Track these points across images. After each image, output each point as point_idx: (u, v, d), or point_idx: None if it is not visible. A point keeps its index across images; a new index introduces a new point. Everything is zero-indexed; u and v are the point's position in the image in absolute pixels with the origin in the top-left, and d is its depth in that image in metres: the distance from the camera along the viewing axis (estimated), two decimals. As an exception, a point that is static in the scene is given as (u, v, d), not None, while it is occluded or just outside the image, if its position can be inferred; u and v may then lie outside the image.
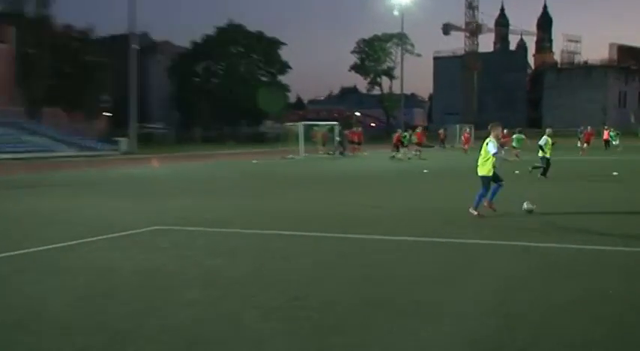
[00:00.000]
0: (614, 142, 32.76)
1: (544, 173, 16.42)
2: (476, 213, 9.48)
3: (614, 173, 17.42)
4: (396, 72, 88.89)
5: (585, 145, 30.55)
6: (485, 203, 9.75)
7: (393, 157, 29.38)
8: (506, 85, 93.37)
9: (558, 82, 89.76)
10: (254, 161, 28.81)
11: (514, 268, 5.99)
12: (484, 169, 9.76)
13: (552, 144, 16.76)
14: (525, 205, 9.82)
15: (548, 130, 17.53)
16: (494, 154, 9.66)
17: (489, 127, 10.17)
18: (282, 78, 75.74)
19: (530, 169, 17.07)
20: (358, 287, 5.24)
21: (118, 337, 4.05)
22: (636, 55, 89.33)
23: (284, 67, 75.17)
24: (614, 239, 7.33)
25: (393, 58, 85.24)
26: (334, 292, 5.08)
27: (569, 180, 15.96)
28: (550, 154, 16.70)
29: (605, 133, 34.82)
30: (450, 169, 21.64)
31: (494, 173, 9.75)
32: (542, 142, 16.79)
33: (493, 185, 9.80)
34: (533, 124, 78.37)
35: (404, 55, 69.87)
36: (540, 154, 16.72)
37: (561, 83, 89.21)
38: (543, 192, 12.87)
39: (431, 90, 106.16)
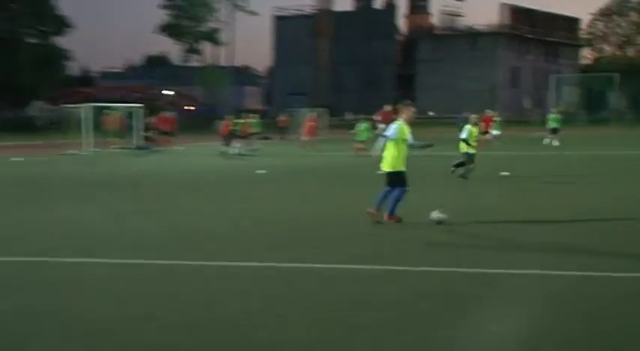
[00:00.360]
0: (493, 132, 34.56)
1: (465, 172, 17.94)
2: (394, 219, 10.62)
3: (504, 173, 19.10)
4: (224, 36, 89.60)
5: (489, 134, 33.07)
6: (370, 209, 10.74)
7: (225, 152, 30.20)
8: (370, 57, 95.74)
9: (435, 54, 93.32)
10: (16, 159, 28.51)
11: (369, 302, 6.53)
12: (388, 162, 10.65)
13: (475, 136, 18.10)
14: (434, 215, 10.58)
15: (473, 117, 18.84)
16: (383, 136, 10.57)
17: (399, 109, 11.06)
18: (59, 40, 73.24)
19: (451, 169, 18.48)
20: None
21: None
22: (533, 20, 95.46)
23: (62, 25, 72.64)
24: (543, 259, 8.33)
25: (219, 16, 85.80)
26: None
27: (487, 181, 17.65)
28: (474, 149, 18.07)
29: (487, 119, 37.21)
30: (293, 168, 22.93)
31: (399, 173, 10.57)
32: (464, 134, 18.01)
33: (388, 189, 10.63)
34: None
35: (234, 13, 70.51)
36: (464, 149, 17.98)
37: (439, 55, 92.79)
38: (468, 195, 14.75)
39: (270, 62, 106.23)
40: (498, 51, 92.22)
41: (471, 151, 17.99)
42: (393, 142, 10.67)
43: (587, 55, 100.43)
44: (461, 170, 18.22)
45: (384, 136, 10.78)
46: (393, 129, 10.75)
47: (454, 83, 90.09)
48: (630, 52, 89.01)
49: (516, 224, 10.95)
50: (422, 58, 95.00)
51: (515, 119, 64.52)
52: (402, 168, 10.77)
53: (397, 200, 10.69)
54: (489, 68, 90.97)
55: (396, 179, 10.68)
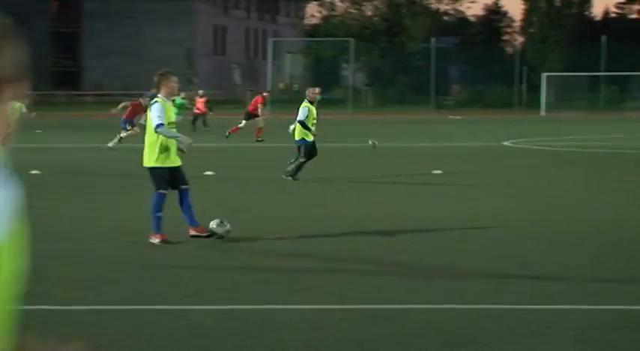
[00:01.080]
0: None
1: (297, 171, 19.57)
2: (157, 239, 11.29)
3: (207, 173, 20.61)
4: None
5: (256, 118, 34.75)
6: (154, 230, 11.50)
7: None
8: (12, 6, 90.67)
9: (108, 6, 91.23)
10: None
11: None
12: (148, 157, 11.47)
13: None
14: (213, 225, 11.64)
15: (313, 91, 20.67)
16: (157, 128, 11.15)
17: (157, 81, 11.66)
18: None
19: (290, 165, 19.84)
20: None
21: None
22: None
23: None
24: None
25: None
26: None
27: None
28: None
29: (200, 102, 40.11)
30: None
31: (167, 170, 11.40)
32: (302, 115, 19.63)
33: (162, 192, 11.36)
34: (64, 83, 76.12)
35: None
36: (301, 135, 19.60)
37: (114, 8, 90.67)
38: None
39: None
40: (195, 4, 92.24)
41: (309, 138, 19.61)
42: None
43: (314, 13, 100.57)
44: (292, 166, 19.66)
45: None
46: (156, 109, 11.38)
47: (137, 47, 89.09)
48: (369, 9, 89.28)
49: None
50: (88, 11, 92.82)
51: (223, 98, 61.31)
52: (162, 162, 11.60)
53: (187, 207, 11.70)
54: (184, 27, 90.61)
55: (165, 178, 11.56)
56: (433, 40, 74.71)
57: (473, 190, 18.44)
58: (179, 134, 11.79)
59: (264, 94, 38.47)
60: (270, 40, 71.51)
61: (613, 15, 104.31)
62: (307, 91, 20.94)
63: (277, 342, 7.28)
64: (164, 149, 11.17)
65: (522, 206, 15.69)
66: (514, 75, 75.82)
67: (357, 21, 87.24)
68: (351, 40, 70.81)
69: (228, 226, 11.62)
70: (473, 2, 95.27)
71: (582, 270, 10.09)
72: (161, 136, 11.14)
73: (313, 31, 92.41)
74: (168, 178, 11.36)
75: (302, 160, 19.54)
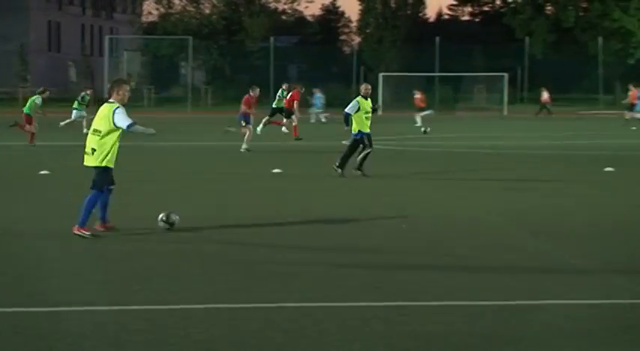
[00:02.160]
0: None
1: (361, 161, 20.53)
2: (87, 233, 11.83)
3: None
4: None
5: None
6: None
7: None
8: None
9: None
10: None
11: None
12: (95, 156, 11.97)
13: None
14: (162, 219, 12.48)
15: (364, 86, 21.41)
16: (128, 127, 11.91)
17: (110, 87, 12.59)
18: None
19: (358, 162, 20.40)
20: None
21: None
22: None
23: None
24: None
25: None
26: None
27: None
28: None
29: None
30: None
31: (105, 170, 11.95)
32: (350, 107, 20.59)
33: (93, 194, 11.95)
34: None
35: None
36: (356, 128, 20.40)
37: None
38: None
39: None
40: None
41: (365, 129, 20.43)
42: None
43: (151, 10, 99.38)
44: (359, 159, 20.44)
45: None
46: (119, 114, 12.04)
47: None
48: (207, 8, 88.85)
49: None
50: None
51: (59, 96, 59.65)
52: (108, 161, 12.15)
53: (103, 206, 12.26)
54: (17, 23, 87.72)
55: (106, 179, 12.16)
56: (272, 39, 75.11)
57: (310, 187, 18.69)
58: (146, 128, 12.63)
59: (301, 89, 39.11)
60: (106, 37, 70.25)
61: (446, 17, 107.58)
62: (360, 87, 21.67)
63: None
64: (115, 151, 11.98)
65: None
66: (352, 75, 77.02)
67: (195, 19, 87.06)
68: (190, 38, 70.44)
69: (171, 217, 12.30)
70: (310, 2, 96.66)
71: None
72: (117, 138, 11.97)
73: (151, 29, 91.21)
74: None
75: (368, 150, 20.31)
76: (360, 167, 20.53)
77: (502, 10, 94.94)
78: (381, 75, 71.24)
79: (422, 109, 44.00)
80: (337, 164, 20.65)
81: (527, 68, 76.38)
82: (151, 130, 12.70)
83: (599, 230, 12.99)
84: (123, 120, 11.80)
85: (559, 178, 20.75)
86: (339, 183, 19.44)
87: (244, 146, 27.39)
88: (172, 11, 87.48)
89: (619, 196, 17.43)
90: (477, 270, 10.10)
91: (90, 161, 11.97)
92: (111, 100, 12.02)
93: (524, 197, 17.08)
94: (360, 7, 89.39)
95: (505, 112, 64.10)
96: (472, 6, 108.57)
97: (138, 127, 12.04)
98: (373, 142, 20.54)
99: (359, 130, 20.61)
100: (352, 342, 7.12)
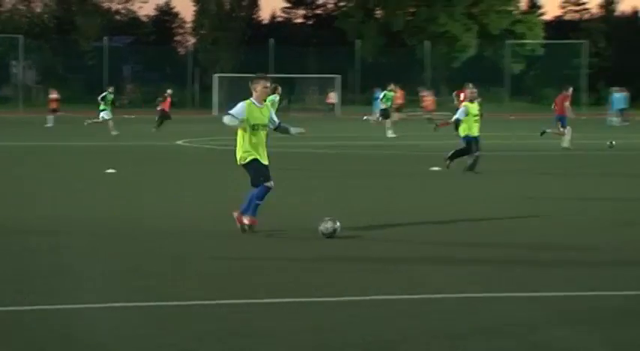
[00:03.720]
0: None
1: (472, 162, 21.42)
2: (247, 221, 12.05)
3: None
4: None
5: None
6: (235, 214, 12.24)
7: None
8: None
9: None
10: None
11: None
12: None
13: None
14: (325, 226, 11.82)
15: (470, 90, 22.98)
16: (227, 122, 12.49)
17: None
18: None
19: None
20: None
21: None
22: None
23: None
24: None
25: None
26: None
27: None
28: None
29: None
30: None
31: (256, 162, 12.17)
32: (459, 113, 21.70)
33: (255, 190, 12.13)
34: None
35: None
36: (464, 131, 21.35)
37: None
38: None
39: None
40: None
41: (473, 132, 21.25)
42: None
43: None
44: (466, 159, 21.35)
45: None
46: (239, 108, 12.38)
47: None
48: (38, 6, 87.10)
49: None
50: None
51: None
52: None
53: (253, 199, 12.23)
54: None
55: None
56: (105, 39, 74.36)
57: (145, 188, 18.78)
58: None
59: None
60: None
61: (280, 19, 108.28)
62: (466, 92, 22.96)
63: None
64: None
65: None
66: (187, 75, 77.27)
67: (26, 17, 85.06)
68: (20, 37, 69.21)
69: (332, 225, 11.82)
70: (145, 2, 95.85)
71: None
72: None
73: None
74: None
75: (476, 154, 21.01)
76: (471, 168, 21.17)
77: (334, 13, 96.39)
78: (215, 76, 71.95)
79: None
80: (448, 156, 21.61)
81: (360, 70, 78.45)
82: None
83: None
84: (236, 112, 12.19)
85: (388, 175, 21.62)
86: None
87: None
88: (2, 9, 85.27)
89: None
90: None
91: None
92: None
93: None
94: (194, 9, 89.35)
95: (339, 113, 66.06)
96: (305, 9, 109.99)
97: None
98: None
99: (466, 134, 21.27)
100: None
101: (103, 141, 33.19)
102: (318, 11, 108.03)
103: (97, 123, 38.15)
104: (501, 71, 79.50)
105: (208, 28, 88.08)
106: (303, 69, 77.45)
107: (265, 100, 12.81)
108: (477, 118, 21.46)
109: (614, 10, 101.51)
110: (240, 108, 12.09)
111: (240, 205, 12.05)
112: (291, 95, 74.48)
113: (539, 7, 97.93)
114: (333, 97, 68.11)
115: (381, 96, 40.45)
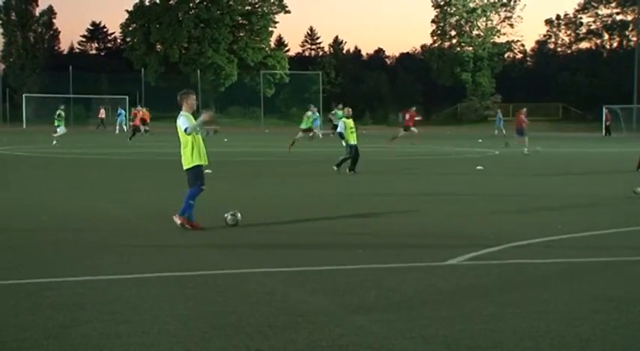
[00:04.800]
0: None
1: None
2: (179, 221, 11.47)
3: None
4: None
5: None
6: (177, 219, 11.53)
7: None
8: None
9: None
10: None
11: None
12: (185, 158, 11.58)
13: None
14: (230, 217, 11.78)
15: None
16: (185, 131, 11.46)
17: (180, 97, 11.84)
18: None
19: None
20: None
21: None
22: None
23: None
24: None
25: None
26: None
27: None
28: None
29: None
30: None
31: (196, 168, 11.52)
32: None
33: (191, 189, 11.56)
34: None
35: None
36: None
37: None
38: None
39: None
40: None
41: (351, 141, 22.74)
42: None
43: None
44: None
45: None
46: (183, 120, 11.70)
47: None
48: None
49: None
50: None
51: None
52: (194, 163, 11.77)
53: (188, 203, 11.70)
54: None
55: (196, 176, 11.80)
56: None
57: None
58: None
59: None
60: None
61: (77, 50, 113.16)
62: (345, 110, 24.77)
63: None
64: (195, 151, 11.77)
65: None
66: (-1, 95, 76.96)
67: None
68: None
69: (235, 217, 11.93)
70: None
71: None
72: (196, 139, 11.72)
73: None
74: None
75: (347, 156, 22.70)
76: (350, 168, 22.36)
77: (122, 46, 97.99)
78: (24, 95, 73.96)
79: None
80: (335, 165, 22.49)
81: (144, 93, 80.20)
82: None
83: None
84: (183, 123, 11.73)
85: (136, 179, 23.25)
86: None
87: None
88: None
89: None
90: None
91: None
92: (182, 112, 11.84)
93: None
94: (3, 40, 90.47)
95: (128, 127, 63.90)
96: (98, 42, 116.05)
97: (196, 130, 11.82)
98: None
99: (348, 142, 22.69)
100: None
101: None
102: (109, 44, 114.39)
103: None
104: (257, 94, 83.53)
105: (16, 56, 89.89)
106: (98, 91, 79.15)
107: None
108: (352, 129, 22.69)
109: (342, 48, 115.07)
110: (188, 119, 11.65)
111: (178, 209, 11.70)
112: (89, 112, 77.92)
113: (285, 45, 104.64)
114: (102, 113, 67.39)
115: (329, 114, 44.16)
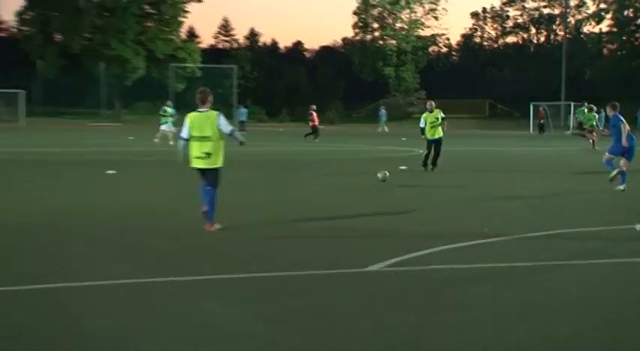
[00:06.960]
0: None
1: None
2: (215, 227, 11.98)
3: None
4: None
5: None
6: (213, 227, 11.97)
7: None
8: None
9: None
10: None
11: None
12: (217, 158, 12.08)
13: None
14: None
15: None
16: (231, 133, 12.13)
17: (203, 95, 12.43)
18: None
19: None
20: None
21: None
22: None
23: None
24: None
25: None
26: None
27: None
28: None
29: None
30: None
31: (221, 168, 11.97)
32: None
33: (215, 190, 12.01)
34: None
35: None
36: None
37: None
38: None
39: None
40: None
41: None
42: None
43: None
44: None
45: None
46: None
47: None
48: None
49: None
50: None
51: None
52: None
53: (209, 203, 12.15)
54: None
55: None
56: None
57: None
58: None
59: None
60: None
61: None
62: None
63: None
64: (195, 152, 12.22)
65: None
66: None
67: None
68: None
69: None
70: None
71: None
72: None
73: None
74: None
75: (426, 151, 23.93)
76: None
77: (18, 37, 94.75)
78: None
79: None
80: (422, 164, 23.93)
81: (43, 87, 79.87)
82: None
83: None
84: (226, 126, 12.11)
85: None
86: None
87: None
88: None
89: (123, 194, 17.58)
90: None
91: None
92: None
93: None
94: None
95: (23, 124, 66.44)
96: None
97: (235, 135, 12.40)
98: None
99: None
100: None
101: None
102: (3, 34, 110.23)
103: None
104: (167, 89, 79.09)
105: None
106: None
107: None
108: (433, 124, 23.94)
109: (257, 41, 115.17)
110: (228, 122, 12.25)
111: (207, 217, 12.03)
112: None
113: (196, 36, 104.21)
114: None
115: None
